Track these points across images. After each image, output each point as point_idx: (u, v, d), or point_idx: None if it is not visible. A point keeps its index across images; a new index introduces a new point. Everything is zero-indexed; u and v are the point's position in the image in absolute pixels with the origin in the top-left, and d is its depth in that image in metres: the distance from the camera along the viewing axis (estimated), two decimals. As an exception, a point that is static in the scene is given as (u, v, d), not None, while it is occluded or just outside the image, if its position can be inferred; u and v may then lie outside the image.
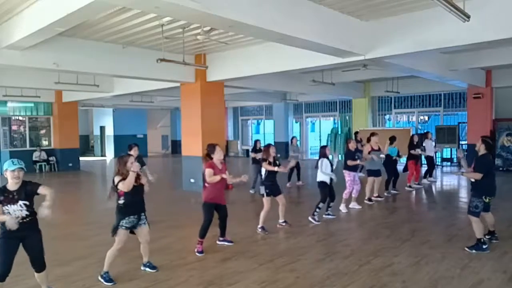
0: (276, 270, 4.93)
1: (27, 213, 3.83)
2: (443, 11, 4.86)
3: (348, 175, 8.31)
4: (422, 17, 6.72)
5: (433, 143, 11.81)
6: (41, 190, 3.88)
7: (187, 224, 7.28)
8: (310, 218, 7.25)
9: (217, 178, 5.49)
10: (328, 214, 7.56)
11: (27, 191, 3.84)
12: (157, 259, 5.15)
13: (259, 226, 6.65)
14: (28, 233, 3.88)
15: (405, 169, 11.04)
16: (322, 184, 7.27)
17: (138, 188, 4.63)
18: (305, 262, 5.18)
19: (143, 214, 4.73)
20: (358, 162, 8.24)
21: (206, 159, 5.68)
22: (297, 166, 11.62)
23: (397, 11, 6.86)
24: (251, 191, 10.50)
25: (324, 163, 7.21)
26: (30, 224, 3.87)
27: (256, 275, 4.76)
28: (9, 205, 3.76)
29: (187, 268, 5.04)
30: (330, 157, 7.30)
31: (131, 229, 4.66)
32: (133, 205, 4.61)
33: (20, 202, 3.79)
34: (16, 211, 3.78)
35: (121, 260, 4.96)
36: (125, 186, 4.48)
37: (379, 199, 9.27)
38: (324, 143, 19.69)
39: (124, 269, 4.94)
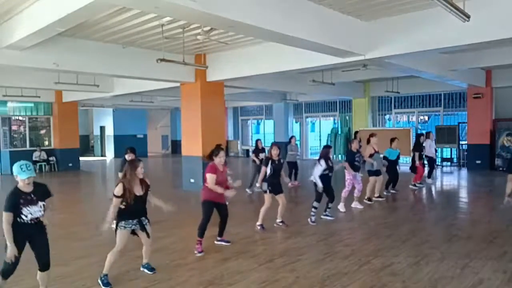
0: (276, 270, 4.93)
1: (43, 212, 3.92)
2: (443, 11, 4.86)
3: (348, 174, 8.30)
4: (422, 17, 6.71)
5: (432, 143, 11.81)
6: (49, 200, 4.04)
7: (187, 224, 7.27)
8: (309, 219, 7.25)
9: (219, 190, 5.50)
10: (327, 215, 7.52)
11: (44, 193, 3.95)
12: (157, 259, 5.16)
13: (258, 223, 6.67)
14: (37, 231, 3.92)
15: (414, 169, 10.85)
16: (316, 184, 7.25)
17: (141, 197, 4.55)
18: (305, 262, 5.18)
19: (143, 218, 4.64)
20: (352, 172, 8.17)
21: (207, 158, 5.71)
22: (295, 166, 11.65)
23: (397, 11, 6.86)
24: (248, 191, 10.45)
25: (318, 166, 7.11)
26: (40, 224, 3.94)
27: (256, 275, 4.76)
28: (29, 206, 3.80)
29: (187, 268, 5.05)
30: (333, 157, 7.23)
31: (132, 231, 4.60)
32: (132, 211, 4.52)
33: (40, 203, 3.88)
34: (37, 211, 3.85)
35: (121, 260, 4.94)
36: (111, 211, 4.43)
37: (380, 199, 9.27)
38: (324, 143, 19.68)
39: (124, 269, 4.94)
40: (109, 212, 4.45)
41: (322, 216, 7.47)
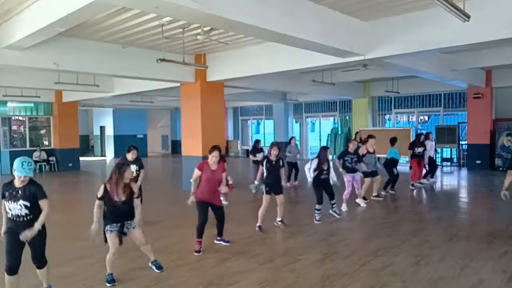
0: (276, 270, 4.93)
1: (27, 211, 3.82)
2: (443, 11, 4.86)
3: (346, 176, 8.29)
4: (422, 17, 6.71)
5: (433, 144, 11.79)
6: (42, 203, 3.88)
7: (187, 224, 7.25)
8: (314, 220, 7.27)
9: (192, 188, 5.77)
10: (335, 212, 7.56)
11: (31, 193, 3.81)
12: (157, 259, 5.13)
13: (257, 224, 6.68)
14: (28, 229, 3.85)
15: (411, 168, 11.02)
16: (314, 184, 7.24)
17: (122, 202, 4.51)
18: (305, 262, 5.18)
19: (128, 222, 4.58)
20: (340, 169, 8.27)
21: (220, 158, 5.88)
22: (295, 166, 11.66)
23: (397, 11, 6.86)
24: (252, 190, 10.46)
25: (313, 163, 7.22)
26: (30, 222, 3.85)
27: (256, 275, 4.76)
28: (9, 202, 3.79)
29: (187, 268, 5.05)
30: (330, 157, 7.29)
31: (121, 234, 4.58)
32: (114, 215, 4.51)
33: (21, 202, 3.78)
34: (16, 209, 3.79)
35: (121, 260, 4.97)
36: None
37: (377, 198, 9.26)
38: (324, 143, 19.67)
39: (125, 269, 4.94)
40: (94, 213, 4.57)
41: (330, 211, 7.53)
